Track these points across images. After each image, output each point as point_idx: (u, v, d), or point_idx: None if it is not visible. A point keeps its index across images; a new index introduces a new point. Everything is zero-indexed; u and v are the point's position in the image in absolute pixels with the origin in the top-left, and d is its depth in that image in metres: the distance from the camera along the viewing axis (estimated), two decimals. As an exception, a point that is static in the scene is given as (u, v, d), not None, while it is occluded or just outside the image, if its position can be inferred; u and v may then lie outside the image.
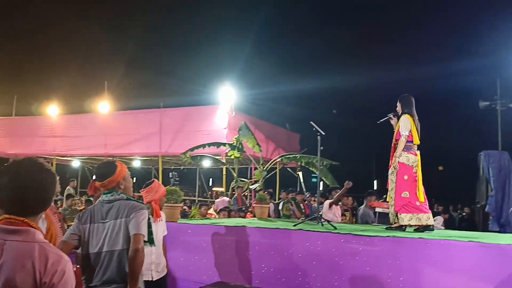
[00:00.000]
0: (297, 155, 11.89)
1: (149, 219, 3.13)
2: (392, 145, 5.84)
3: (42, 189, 1.79)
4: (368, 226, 6.91)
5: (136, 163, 19.09)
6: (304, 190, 15.53)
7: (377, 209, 7.65)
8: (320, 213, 6.52)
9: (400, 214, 5.56)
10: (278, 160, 11.74)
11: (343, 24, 32.73)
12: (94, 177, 3.24)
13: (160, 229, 4.57)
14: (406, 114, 5.71)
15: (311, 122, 6.45)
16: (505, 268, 3.97)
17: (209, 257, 5.46)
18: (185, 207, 14.40)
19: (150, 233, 3.12)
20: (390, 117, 6.01)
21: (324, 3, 32.59)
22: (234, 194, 11.72)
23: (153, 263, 4.35)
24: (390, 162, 5.81)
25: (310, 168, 11.68)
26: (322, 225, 5.81)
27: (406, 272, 4.31)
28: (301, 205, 10.54)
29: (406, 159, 5.62)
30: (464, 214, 10.98)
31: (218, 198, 13.50)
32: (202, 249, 5.51)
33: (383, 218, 7.69)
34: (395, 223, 5.71)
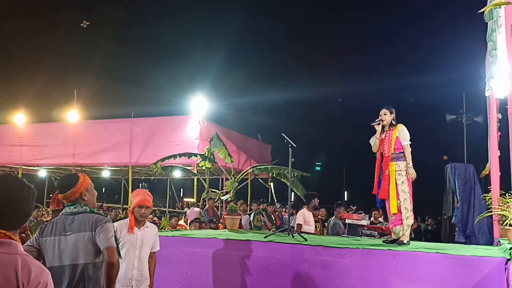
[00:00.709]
0: (268, 166, 11.93)
1: (115, 231, 3.09)
2: (389, 155, 5.60)
3: (23, 203, 1.84)
4: (339, 237, 6.96)
5: (106, 173, 18.78)
6: (276, 201, 15.57)
7: (347, 220, 7.72)
8: (291, 224, 6.54)
9: (400, 225, 5.40)
10: (249, 171, 11.75)
11: (314, 37, 33.22)
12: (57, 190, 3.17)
13: (145, 243, 4.15)
14: (402, 124, 5.65)
15: (282, 134, 6.49)
16: (469, 279, 4.06)
17: (178, 270, 5.39)
18: (155, 218, 14.23)
19: (116, 245, 3.07)
20: (379, 123, 5.77)
21: (296, 17, 33.04)
22: (205, 205, 11.65)
23: (133, 279, 4.08)
24: (385, 172, 5.58)
25: (281, 179, 11.74)
26: (293, 236, 5.82)
27: (375, 283, 4.36)
28: (272, 216, 10.55)
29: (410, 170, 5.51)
30: (429, 226, 11.24)
31: (189, 209, 13.39)
32: (172, 261, 5.44)
33: (353, 230, 7.78)
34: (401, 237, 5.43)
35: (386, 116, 5.75)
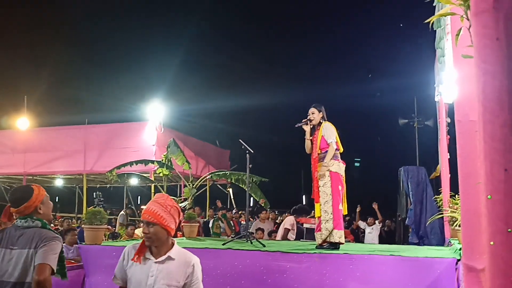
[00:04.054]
0: (226, 172, 11.86)
1: (62, 252, 2.89)
2: (316, 156, 5.44)
3: None
4: (297, 242, 7.01)
5: (59, 182, 18.15)
6: (235, 206, 15.55)
7: (305, 225, 7.79)
8: (249, 230, 6.53)
9: (337, 230, 5.15)
10: (208, 177, 11.66)
11: (269, 44, 33.53)
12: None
13: (163, 281, 2.57)
14: (328, 122, 5.45)
15: (240, 140, 6.48)
16: (422, 280, 4.18)
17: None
18: (113, 228, 13.87)
19: (62, 266, 2.89)
20: (306, 122, 5.54)
21: (250, 25, 33.25)
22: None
23: None
24: (314, 175, 5.43)
25: (240, 185, 11.71)
26: (251, 243, 5.81)
27: (332, 287, 4.40)
28: (231, 222, 10.52)
29: (338, 167, 5.28)
30: (385, 227, 11.56)
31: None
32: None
33: (311, 234, 7.86)
34: (324, 241, 5.24)
35: (314, 115, 5.51)
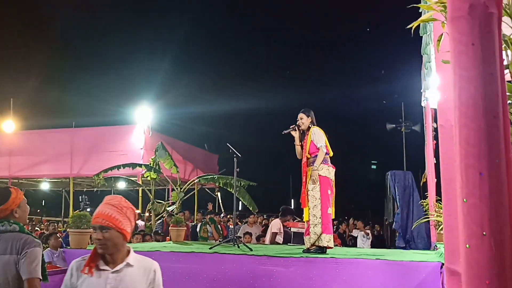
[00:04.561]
0: (215, 176, 11.86)
1: (42, 256, 2.83)
2: (305, 160, 5.44)
3: None
4: (284, 246, 7.00)
5: (45, 186, 17.98)
6: (223, 210, 15.52)
7: (292, 229, 7.79)
8: (237, 234, 6.53)
9: (325, 235, 5.14)
10: (196, 181, 11.63)
11: (259, 48, 33.62)
12: None
13: None
14: (316, 126, 5.47)
15: (228, 144, 6.48)
16: (408, 284, 4.20)
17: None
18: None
19: (43, 269, 2.82)
20: (294, 128, 5.55)
21: (239, 29, 33.33)
22: (151, 216, 11.40)
23: None
24: (303, 179, 5.42)
25: (228, 189, 11.70)
26: (239, 247, 5.80)
27: (318, 291, 4.40)
28: (219, 226, 10.48)
29: (328, 172, 5.27)
30: (375, 231, 11.64)
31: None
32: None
33: (299, 238, 7.86)
34: (313, 245, 5.23)
35: (303, 120, 5.52)
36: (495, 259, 0.83)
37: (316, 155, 5.30)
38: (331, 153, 5.46)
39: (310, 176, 5.29)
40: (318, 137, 5.35)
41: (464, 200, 0.89)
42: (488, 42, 0.87)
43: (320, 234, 5.17)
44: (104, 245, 2.24)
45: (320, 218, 5.18)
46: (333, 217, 5.46)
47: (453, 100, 0.95)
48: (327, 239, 5.18)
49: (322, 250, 5.19)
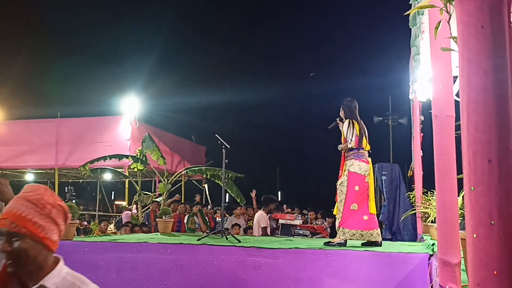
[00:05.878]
0: (202, 168, 11.78)
1: None
2: (343, 153, 5.40)
3: None
4: (272, 238, 7.00)
5: (29, 177, 17.73)
6: (210, 202, 15.48)
7: (280, 221, 7.80)
8: (225, 226, 6.50)
9: (343, 228, 5.10)
10: (183, 172, 11.55)
11: (246, 40, 33.49)
12: None
13: None
14: (349, 119, 5.36)
15: (216, 135, 6.43)
16: (396, 275, 4.22)
17: (107, 277, 5.16)
18: (85, 222, 13.63)
19: None
20: (338, 123, 5.52)
21: (228, 19, 33.13)
22: (138, 207, 11.32)
23: None
24: (340, 172, 5.39)
25: (216, 181, 11.65)
26: (227, 238, 5.78)
27: (306, 283, 4.40)
28: (207, 218, 10.46)
29: (358, 167, 5.19)
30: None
31: (122, 212, 12.97)
32: (100, 268, 5.19)
33: (286, 230, 7.87)
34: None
35: (340, 113, 5.53)
36: (504, 249, 0.81)
37: (349, 150, 5.27)
38: (367, 147, 5.38)
39: (343, 170, 5.29)
40: (346, 130, 5.29)
41: (472, 188, 0.87)
42: (498, 25, 0.85)
43: (339, 228, 5.20)
44: (14, 262, 1.54)
45: (341, 213, 5.20)
46: (373, 212, 5.28)
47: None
48: (351, 234, 5.09)
49: (342, 244, 5.08)
